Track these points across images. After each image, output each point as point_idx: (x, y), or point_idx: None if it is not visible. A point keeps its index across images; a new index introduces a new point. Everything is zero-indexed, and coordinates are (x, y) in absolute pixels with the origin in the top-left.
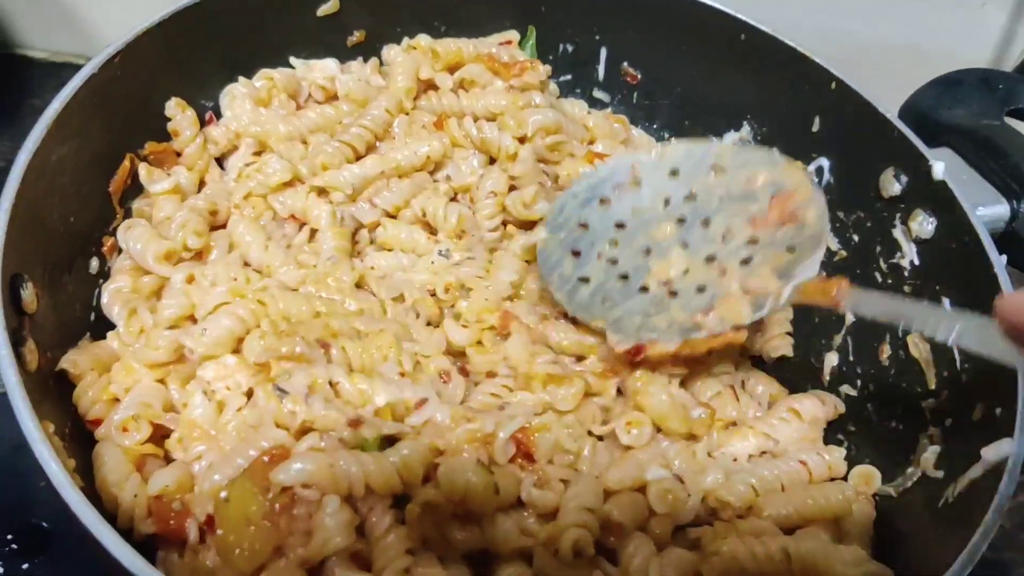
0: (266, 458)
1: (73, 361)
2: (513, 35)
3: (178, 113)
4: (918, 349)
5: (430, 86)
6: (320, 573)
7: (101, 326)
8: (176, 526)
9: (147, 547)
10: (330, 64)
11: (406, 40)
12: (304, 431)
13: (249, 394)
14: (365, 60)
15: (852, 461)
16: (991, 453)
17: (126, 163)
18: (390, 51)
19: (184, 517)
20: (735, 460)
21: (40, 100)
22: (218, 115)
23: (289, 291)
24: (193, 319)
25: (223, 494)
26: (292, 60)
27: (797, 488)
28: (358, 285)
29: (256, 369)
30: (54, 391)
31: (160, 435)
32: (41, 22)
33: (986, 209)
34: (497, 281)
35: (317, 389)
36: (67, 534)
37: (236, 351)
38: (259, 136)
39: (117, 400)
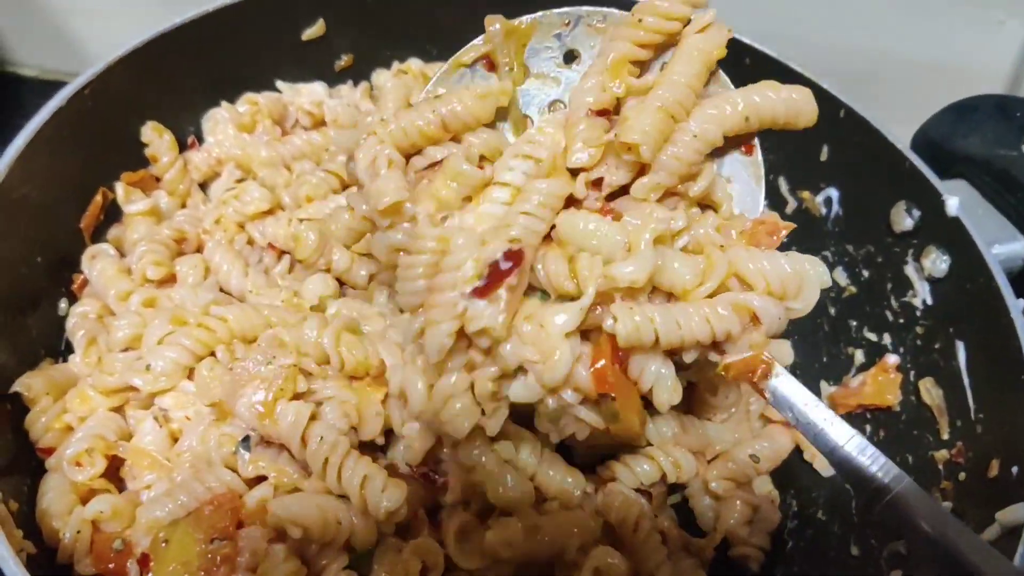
0: (211, 506)
1: (28, 384)
2: None
3: (155, 138)
4: (931, 395)
5: None
6: None
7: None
8: (116, 567)
9: None
10: (317, 88)
11: (396, 64)
12: (257, 479)
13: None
14: (355, 84)
15: None
16: (1007, 518)
17: (98, 198)
18: (380, 76)
19: (124, 558)
20: None
21: (28, 119)
22: (201, 140)
23: (240, 306)
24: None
25: (162, 535)
26: (279, 84)
27: None
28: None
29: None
30: (11, 441)
31: (114, 467)
32: (31, 40)
33: (1002, 247)
34: None
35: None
36: None
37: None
38: (240, 160)
39: (71, 429)
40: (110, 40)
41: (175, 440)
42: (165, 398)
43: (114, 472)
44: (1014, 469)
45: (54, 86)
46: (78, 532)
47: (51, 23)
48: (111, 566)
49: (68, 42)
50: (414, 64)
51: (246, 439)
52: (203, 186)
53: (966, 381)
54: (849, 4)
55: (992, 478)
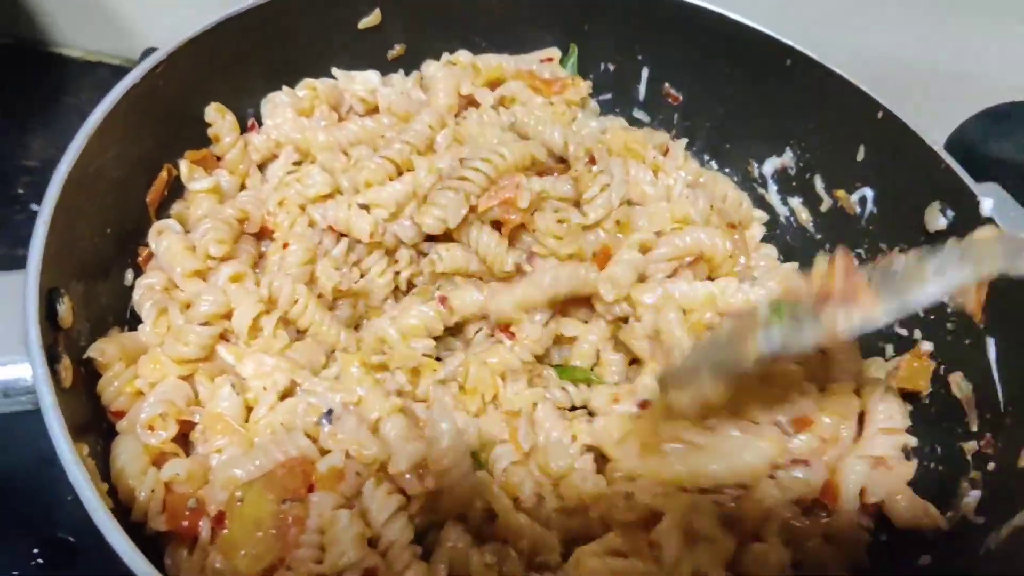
0: (284, 469)
1: (101, 350)
2: (554, 52)
3: (217, 118)
4: (960, 388)
5: (471, 102)
6: None
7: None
8: (189, 525)
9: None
10: (372, 76)
11: (446, 55)
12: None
13: (283, 395)
14: (407, 73)
15: None
16: None
17: (163, 174)
18: (430, 67)
19: (198, 516)
20: None
21: (74, 98)
22: (260, 123)
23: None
24: (228, 317)
25: (238, 494)
26: (334, 71)
27: None
28: None
29: (295, 370)
30: (87, 404)
31: (181, 433)
32: (77, 21)
33: None
34: None
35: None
36: (93, 549)
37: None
38: (299, 144)
39: (141, 394)
40: (156, 23)
41: (248, 409)
42: (247, 366)
43: (181, 437)
44: None
45: (99, 67)
46: (152, 491)
47: (98, 5)
48: (184, 524)
49: (115, 24)
50: (463, 56)
51: (329, 412)
52: (261, 168)
53: (996, 375)
54: (884, 13)
55: (1022, 468)
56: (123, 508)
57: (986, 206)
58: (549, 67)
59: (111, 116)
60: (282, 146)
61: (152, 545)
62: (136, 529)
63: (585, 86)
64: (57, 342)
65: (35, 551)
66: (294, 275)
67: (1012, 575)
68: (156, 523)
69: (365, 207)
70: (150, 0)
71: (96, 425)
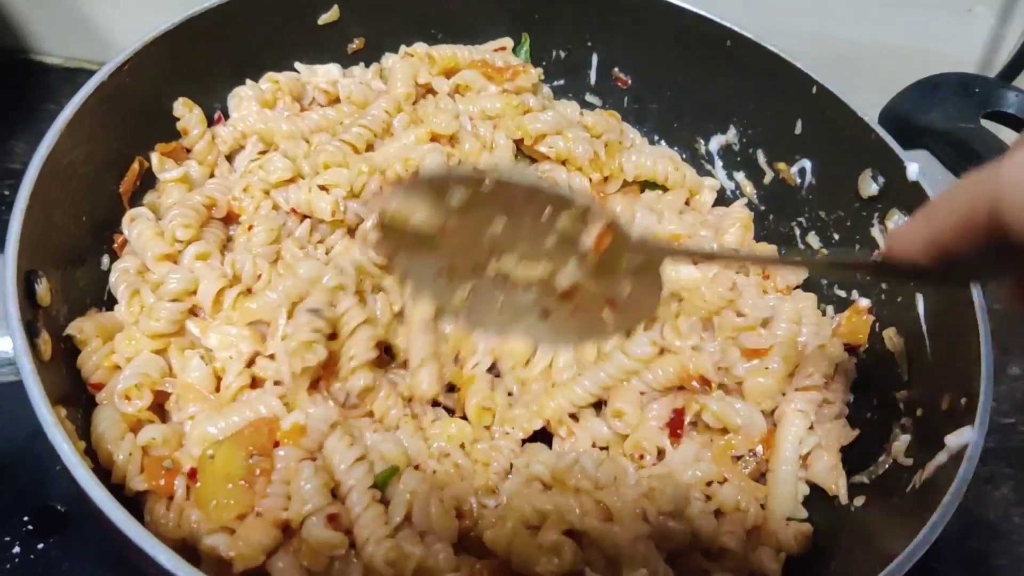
0: (251, 428)
1: (79, 327)
2: (507, 42)
3: (185, 112)
4: (893, 343)
5: (428, 91)
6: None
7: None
8: (166, 484)
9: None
10: (333, 69)
11: (403, 47)
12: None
13: (248, 363)
14: (367, 66)
15: None
16: (954, 440)
17: (135, 165)
18: (388, 59)
19: (173, 475)
20: None
21: (55, 105)
22: (227, 116)
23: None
24: (195, 293)
25: (210, 452)
26: (297, 65)
27: None
28: None
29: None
30: (67, 377)
31: (156, 404)
32: (56, 29)
33: None
34: None
35: None
36: (81, 516)
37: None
38: (263, 133)
39: (118, 368)
40: (132, 29)
41: (218, 378)
42: (211, 339)
43: (156, 407)
44: (962, 400)
45: (78, 73)
46: (131, 454)
47: (76, 13)
48: (161, 482)
49: (92, 31)
50: (420, 47)
51: None
52: (230, 158)
53: (924, 328)
54: None
55: (945, 410)
56: (104, 471)
57: (912, 171)
58: (502, 56)
59: (80, 112)
60: (247, 137)
61: (133, 507)
62: (117, 491)
63: (536, 73)
64: (36, 318)
65: (25, 519)
66: (258, 253)
67: (934, 508)
68: (135, 483)
69: (325, 188)
70: (126, 8)
71: (76, 396)
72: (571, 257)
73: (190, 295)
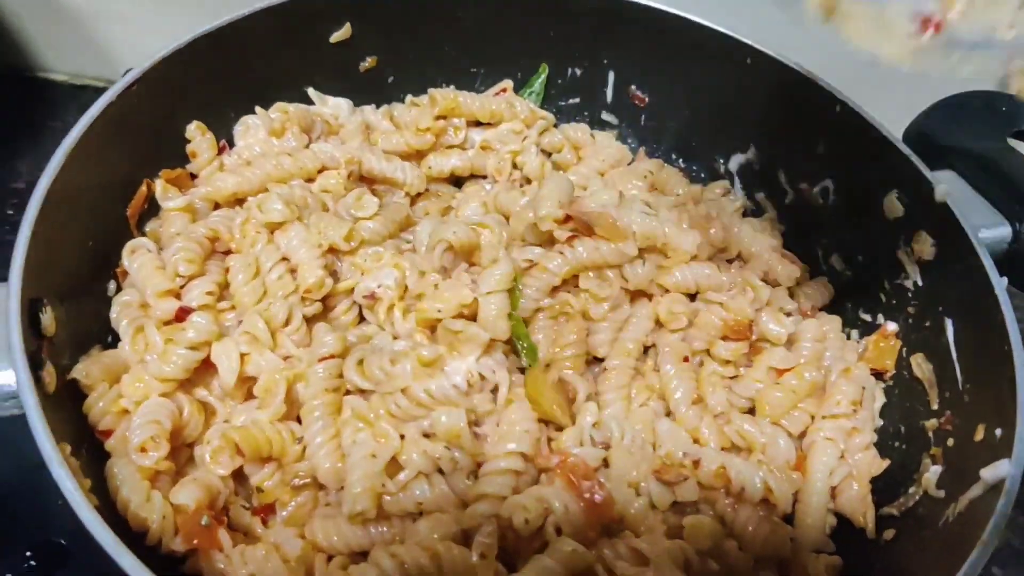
0: None
1: (84, 371)
2: (507, 83)
3: (198, 135)
4: (921, 369)
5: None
6: None
7: (117, 342)
8: (210, 540)
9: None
10: (343, 104)
11: (409, 98)
12: None
13: None
14: (378, 89)
15: None
16: (990, 473)
17: (143, 188)
18: (396, 108)
19: (214, 531)
20: None
21: (61, 122)
22: (231, 144)
23: None
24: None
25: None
26: (310, 92)
27: None
28: None
29: None
30: (71, 410)
31: (173, 447)
32: (62, 46)
33: (988, 231)
34: None
35: None
36: (84, 551)
37: None
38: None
39: (126, 412)
40: (138, 47)
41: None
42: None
43: (171, 455)
44: (998, 432)
45: (84, 91)
46: (163, 518)
47: (82, 30)
48: (200, 539)
49: (99, 49)
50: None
51: None
52: None
53: (954, 355)
54: None
55: (978, 441)
56: (136, 536)
57: (940, 192)
58: (505, 99)
59: (88, 134)
60: (251, 166)
61: (136, 543)
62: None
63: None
64: (41, 349)
65: (27, 554)
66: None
67: (970, 544)
68: (174, 546)
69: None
70: (132, 25)
71: (79, 429)
72: None
73: (207, 344)
